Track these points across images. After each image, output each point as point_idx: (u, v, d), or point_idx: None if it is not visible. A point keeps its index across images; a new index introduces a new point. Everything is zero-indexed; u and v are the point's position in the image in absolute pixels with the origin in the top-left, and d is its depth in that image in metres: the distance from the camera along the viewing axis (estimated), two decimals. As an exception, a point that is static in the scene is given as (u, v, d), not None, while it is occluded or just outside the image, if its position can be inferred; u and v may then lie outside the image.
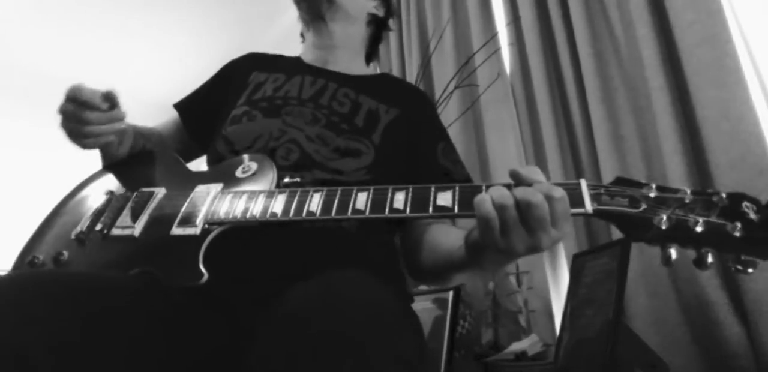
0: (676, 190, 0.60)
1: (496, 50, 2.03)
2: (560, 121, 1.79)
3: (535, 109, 1.88)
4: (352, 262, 0.78)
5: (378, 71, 1.18)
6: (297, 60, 1.12)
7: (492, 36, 2.05)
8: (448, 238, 0.82)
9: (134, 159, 0.98)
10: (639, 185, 0.61)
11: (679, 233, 0.57)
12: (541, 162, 1.84)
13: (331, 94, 0.99)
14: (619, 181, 0.62)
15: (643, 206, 0.59)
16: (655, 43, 1.49)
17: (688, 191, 0.59)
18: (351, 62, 1.11)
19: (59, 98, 0.82)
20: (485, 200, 0.58)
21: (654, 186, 0.60)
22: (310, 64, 1.09)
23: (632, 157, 1.56)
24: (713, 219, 0.57)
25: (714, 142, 1.33)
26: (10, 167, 3.71)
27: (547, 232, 0.57)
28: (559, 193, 0.57)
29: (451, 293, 1.44)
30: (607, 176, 1.56)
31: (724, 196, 0.58)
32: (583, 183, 0.61)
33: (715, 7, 1.38)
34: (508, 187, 0.61)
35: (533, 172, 0.61)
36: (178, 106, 1.14)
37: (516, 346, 1.48)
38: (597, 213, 0.60)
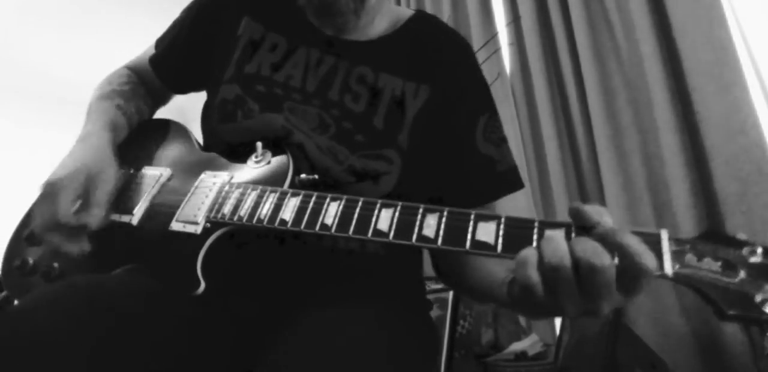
0: None
1: (496, 50, 2.03)
2: (560, 121, 1.79)
3: (535, 109, 1.88)
4: (376, 291, 0.75)
5: (399, 14, 0.88)
6: (301, 12, 0.84)
7: (492, 36, 2.05)
8: (494, 266, 0.68)
9: (140, 130, 0.88)
10: (737, 244, 0.46)
11: None
12: (540, 162, 1.84)
13: (342, 80, 0.79)
14: (709, 236, 0.48)
15: (741, 275, 0.45)
16: (655, 43, 1.49)
17: None
18: (370, 22, 0.84)
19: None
20: (528, 262, 0.46)
21: (760, 249, 0.45)
22: (317, 28, 0.83)
23: (632, 157, 1.56)
24: None
25: (714, 142, 1.33)
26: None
27: (611, 299, 0.44)
28: (649, 260, 0.43)
29: (451, 293, 1.44)
30: (607, 175, 1.56)
31: None
32: (664, 235, 0.47)
33: (715, 7, 1.38)
34: (567, 229, 0.49)
35: (599, 213, 0.48)
36: (155, 66, 0.93)
37: (516, 346, 1.49)
38: (678, 278, 0.46)
